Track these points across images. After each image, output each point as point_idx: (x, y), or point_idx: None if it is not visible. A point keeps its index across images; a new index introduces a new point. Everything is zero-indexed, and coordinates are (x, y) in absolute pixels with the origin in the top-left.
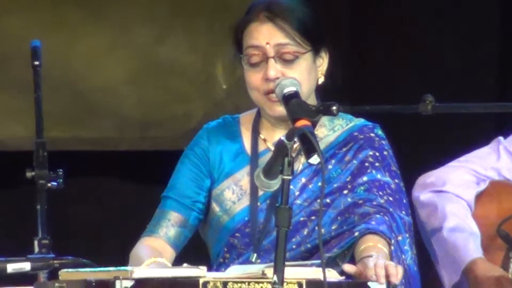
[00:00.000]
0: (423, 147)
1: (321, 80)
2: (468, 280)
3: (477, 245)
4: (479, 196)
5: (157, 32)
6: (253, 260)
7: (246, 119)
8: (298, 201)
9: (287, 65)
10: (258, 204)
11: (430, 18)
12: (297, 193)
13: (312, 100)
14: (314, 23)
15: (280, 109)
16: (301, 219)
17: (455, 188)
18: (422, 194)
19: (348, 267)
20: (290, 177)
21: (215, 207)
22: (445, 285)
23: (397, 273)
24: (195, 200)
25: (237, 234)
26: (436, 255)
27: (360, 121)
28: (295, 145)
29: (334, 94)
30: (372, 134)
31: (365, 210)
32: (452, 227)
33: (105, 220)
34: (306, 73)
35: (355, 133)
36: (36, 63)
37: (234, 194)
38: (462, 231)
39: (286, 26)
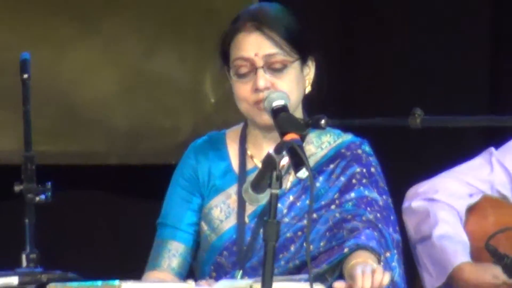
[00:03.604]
0: (412, 160)
1: (308, 89)
2: (457, 285)
3: (465, 252)
4: (470, 210)
5: (146, 46)
6: (238, 277)
7: (232, 134)
8: (286, 219)
9: (276, 75)
10: (247, 221)
11: (421, 28)
12: (285, 211)
13: (299, 113)
14: (301, 32)
15: (269, 117)
16: (288, 235)
17: (447, 197)
18: (413, 202)
19: (338, 284)
20: (278, 191)
21: (204, 225)
22: None
23: (381, 281)
24: (190, 223)
25: (224, 253)
26: (421, 261)
27: (348, 137)
28: (283, 163)
29: (321, 106)
30: (359, 151)
31: (354, 225)
32: (442, 233)
33: (93, 234)
34: (295, 82)
35: (343, 150)
36: (25, 76)
37: (222, 213)
38: (451, 238)
39: (274, 35)
